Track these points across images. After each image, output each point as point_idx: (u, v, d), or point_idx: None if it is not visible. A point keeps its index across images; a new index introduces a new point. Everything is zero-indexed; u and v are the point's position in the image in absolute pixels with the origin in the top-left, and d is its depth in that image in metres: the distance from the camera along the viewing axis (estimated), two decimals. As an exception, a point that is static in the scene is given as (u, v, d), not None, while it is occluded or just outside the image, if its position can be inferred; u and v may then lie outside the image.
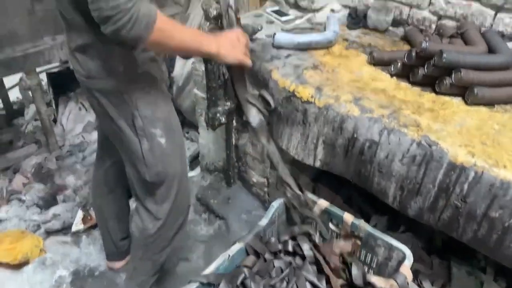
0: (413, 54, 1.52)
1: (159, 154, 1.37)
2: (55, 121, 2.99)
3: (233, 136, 2.02)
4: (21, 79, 2.57)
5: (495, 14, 1.70)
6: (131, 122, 1.31)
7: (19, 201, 2.37)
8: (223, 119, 1.81)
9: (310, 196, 1.60)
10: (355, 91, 1.52)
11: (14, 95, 3.35)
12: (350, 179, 1.53)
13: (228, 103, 1.83)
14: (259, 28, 1.89)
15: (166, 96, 1.42)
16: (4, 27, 2.26)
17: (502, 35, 1.69)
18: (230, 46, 1.31)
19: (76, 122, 2.93)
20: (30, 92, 2.54)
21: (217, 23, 1.56)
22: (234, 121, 1.97)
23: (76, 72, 1.30)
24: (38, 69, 2.51)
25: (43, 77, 2.98)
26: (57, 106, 3.02)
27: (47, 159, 2.66)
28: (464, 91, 1.48)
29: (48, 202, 2.34)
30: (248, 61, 1.39)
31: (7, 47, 2.30)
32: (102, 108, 1.32)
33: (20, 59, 2.32)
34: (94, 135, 2.87)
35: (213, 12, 1.56)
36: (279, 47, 1.81)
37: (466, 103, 1.46)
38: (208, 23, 1.58)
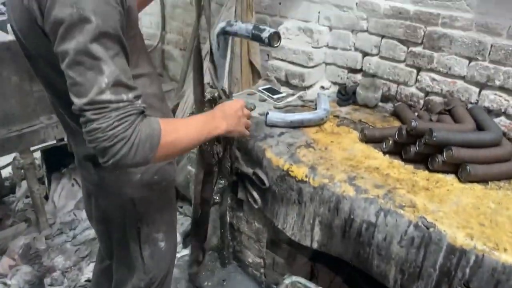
0: (404, 132, 1.55)
1: (157, 258, 1.30)
2: (46, 198, 2.95)
3: (228, 214, 1.98)
4: (14, 158, 2.56)
5: (480, 91, 1.76)
6: (135, 228, 1.23)
7: (4, 286, 2.26)
8: (217, 198, 1.79)
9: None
10: (349, 170, 1.52)
11: (7, 170, 3.33)
12: (349, 261, 1.48)
13: (223, 181, 1.83)
14: (252, 108, 1.94)
15: (173, 195, 1.36)
16: (0, 109, 2.29)
17: (489, 110, 1.73)
18: (236, 121, 1.22)
19: (68, 198, 2.88)
20: (22, 171, 2.52)
21: (211, 106, 1.60)
22: (228, 199, 1.95)
23: (84, 179, 1.24)
24: (32, 148, 2.51)
25: (37, 154, 2.98)
26: (49, 182, 2.99)
27: (36, 238, 2.58)
28: (457, 168, 1.49)
29: (35, 286, 2.23)
30: (247, 133, 1.34)
31: (1, 128, 2.31)
32: (102, 215, 1.25)
33: (15, 139, 2.33)
34: (86, 212, 2.82)
35: (207, 96, 1.60)
36: (272, 125, 1.84)
37: (460, 180, 1.47)
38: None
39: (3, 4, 4.38)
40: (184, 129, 0.99)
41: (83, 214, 2.80)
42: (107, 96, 0.80)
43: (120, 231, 1.26)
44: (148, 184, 1.19)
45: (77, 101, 0.80)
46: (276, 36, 1.38)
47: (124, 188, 1.17)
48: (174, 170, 1.32)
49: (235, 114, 1.21)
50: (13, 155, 2.99)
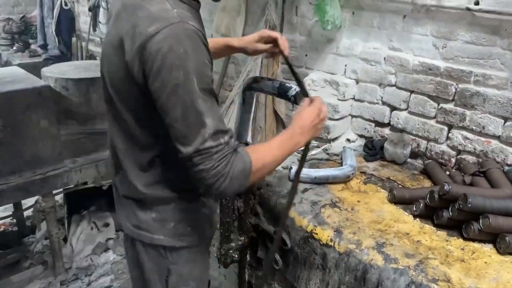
0: (436, 196, 1.46)
1: None
2: (65, 239, 2.93)
3: (246, 272, 1.89)
4: (36, 201, 2.58)
5: (516, 152, 1.67)
6: (164, 278, 1.22)
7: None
8: (236, 256, 1.72)
9: None
10: (377, 234, 1.43)
11: (29, 210, 3.35)
12: (376, 336, 1.36)
13: (242, 238, 1.75)
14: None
15: (206, 250, 1.33)
16: (27, 152, 2.32)
17: (527, 174, 1.63)
18: (313, 131, 1.21)
19: (86, 242, 2.85)
20: (43, 214, 2.52)
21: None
22: (248, 256, 1.87)
23: (122, 219, 1.25)
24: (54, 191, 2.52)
25: (58, 197, 2.99)
26: (69, 224, 2.98)
27: (51, 284, 2.54)
28: (494, 237, 1.38)
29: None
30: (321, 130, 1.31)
31: (27, 171, 2.34)
32: (137, 256, 1.24)
33: (39, 182, 2.34)
34: (103, 258, 2.79)
35: (230, 150, 1.57)
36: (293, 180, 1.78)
37: (499, 252, 1.35)
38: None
39: (41, 47, 4.60)
40: (269, 154, 1.09)
41: (100, 260, 2.76)
42: (209, 143, 0.93)
43: (151, 279, 1.24)
44: (181, 234, 1.19)
45: (184, 150, 0.94)
46: (301, 95, 1.35)
47: (157, 234, 1.18)
48: (211, 227, 1.31)
49: (311, 124, 1.19)
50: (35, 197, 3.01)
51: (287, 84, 1.39)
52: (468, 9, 1.70)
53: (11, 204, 2.85)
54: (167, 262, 1.21)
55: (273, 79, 1.43)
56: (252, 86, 1.47)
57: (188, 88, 0.90)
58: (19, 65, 3.94)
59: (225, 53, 1.54)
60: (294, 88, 1.38)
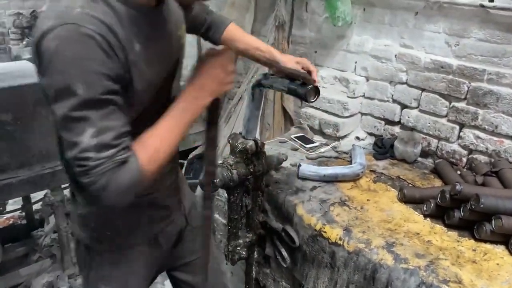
0: (447, 196, 1.44)
1: None
2: (72, 234, 2.94)
3: (254, 270, 1.89)
4: (45, 195, 2.59)
5: (530, 153, 1.65)
6: (85, 272, 1.21)
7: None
8: (243, 253, 1.71)
9: None
10: (387, 234, 1.42)
11: (38, 204, 3.37)
12: (384, 336, 1.35)
13: (250, 235, 1.75)
14: (284, 158, 1.88)
15: (136, 252, 1.21)
16: (37, 146, 2.33)
17: (540, 174, 1.60)
18: (215, 85, 1.01)
19: (94, 237, 2.86)
20: (52, 208, 2.53)
21: (243, 157, 1.56)
22: (255, 253, 1.86)
23: None
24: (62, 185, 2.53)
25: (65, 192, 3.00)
26: (77, 219, 2.99)
27: (59, 277, 2.56)
28: (506, 239, 1.36)
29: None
30: (231, 87, 1.11)
31: (36, 165, 2.34)
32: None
33: (48, 176, 2.35)
34: (111, 252, 2.79)
35: (239, 147, 1.56)
36: (304, 178, 1.77)
37: (511, 253, 1.33)
38: (232, 156, 1.58)
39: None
40: (163, 144, 0.94)
41: (108, 254, 2.76)
42: (88, 154, 0.82)
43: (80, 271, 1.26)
44: (100, 237, 1.16)
45: (66, 153, 0.85)
46: (312, 92, 1.33)
47: (82, 230, 1.16)
48: (143, 233, 1.19)
49: (213, 82, 1.01)
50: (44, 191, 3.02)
51: (297, 81, 1.38)
52: (482, 6, 1.67)
53: (20, 198, 2.88)
54: (89, 259, 1.19)
55: (281, 76, 1.41)
56: (262, 83, 1.45)
57: (71, 95, 0.80)
58: (29, 59, 3.96)
59: (254, 58, 1.46)
60: (304, 84, 1.36)
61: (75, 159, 0.83)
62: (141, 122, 0.93)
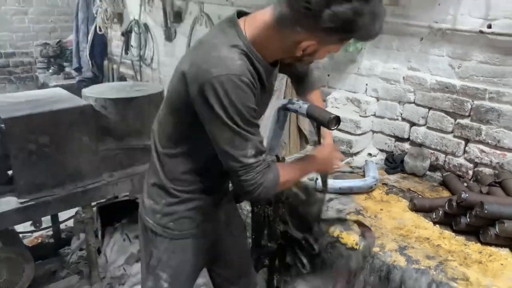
0: (454, 203, 1.57)
1: None
2: (99, 251, 3.08)
3: (275, 278, 2.01)
4: (77, 212, 2.75)
5: (531, 164, 1.77)
6: (148, 259, 1.41)
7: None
8: (266, 261, 1.84)
9: None
10: (399, 239, 1.55)
11: (63, 223, 3.53)
12: (400, 333, 1.46)
13: (272, 244, 1.88)
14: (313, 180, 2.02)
15: (190, 244, 1.43)
16: (70, 166, 2.50)
17: (542, 184, 1.73)
18: (327, 165, 1.49)
19: (119, 253, 2.99)
20: (82, 224, 2.68)
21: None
22: (276, 262, 1.99)
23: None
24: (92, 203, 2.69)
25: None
26: (103, 236, 3.13)
27: (87, 291, 2.68)
28: (510, 242, 1.48)
29: None
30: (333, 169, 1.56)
31: (69, 184, 2.51)
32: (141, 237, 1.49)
33: (80, 194, 2.50)
34: (135, 268, 2.91)
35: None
36: (321, 191, 1.90)
37: (515, 255, 1.45)
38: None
39: (76, 69, 4.88)
40: (293, 172, 1.33)
41: (133, 270, 2.89)
42: (252, 160, 1.14)
43: (142, 258, 1.47)
44: (164, 226, 1.37)
45: (232, 164, 1.15)
46: (334, 120, 1.47)
47: (150, 218, 1.39)
48: (197, 227, 1.40)
49: (326, 164, 1.48)
50: (74, 209, 3.18)
51: (319, 109, 1.54)
52: (481, 32, 1.84)
53: (49, 218, 3.03)
54: (152, 246, 1.39)
55: (306, 103, 1.57)
56: (287, 107, 1.61)
57: (237, 121, 1.09)
58: (55, 86, 4.21)
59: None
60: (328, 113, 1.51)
61: (243, 167, 1.14)
62: None
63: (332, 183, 1.91)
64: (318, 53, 1.16)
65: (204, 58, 1.12)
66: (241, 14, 1.19)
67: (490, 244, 1.50)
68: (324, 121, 1.47)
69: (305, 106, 1.54)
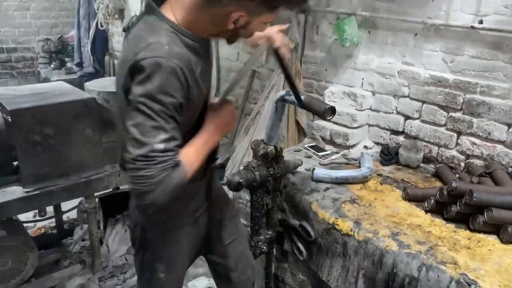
0: (445, 192, 1.64)
1: (156, 286, 1.46)
2: (101, 241, 3.15)
3: (273, 265, 2.08)
4: (80, 203, 2.81)
5: (520, 156, 1.84)
6: (142, 253, 1.43)
7: (60, 323, 2.40)
8: (264, 248, 1.91)
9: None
10: (392, 226, 1.61)
11: (65, 214, 3.59)
12: (391, 314, 1.53)
13: (270, 232, 1.94)
14: (300, 163, 2.09)
15: (184, 232, 1.46)
16: (74, 157, 2.56)
17: (530, 175, 1.79)
18: (227, 127, 1.35)
19: (121, 243, 3.06)
20: (85, 214, 2.74)
21: (264, 160, 1.77)
22: (274, 250, 2.05)
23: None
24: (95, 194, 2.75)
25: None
26: (105, 226, 3.20)
27: (90, 280, 2.75)
28: (498, 229, 1.55)
29: (88, 325, 2.37)
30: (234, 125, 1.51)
31: (73, 175, 2.57)
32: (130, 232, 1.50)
33: (84, 185, 2.57)
34: (137, 257, 2.99)
35: (261, 151, 1.78)
36: (318, 181, 1.97)
37: (502, 241, 1.52)
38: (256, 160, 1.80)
39: (77, 65, 4.93)
40: (197, 159, 1.21)
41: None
42: (156, 154, 1.03)
43: (136, 252, 1.47)
44: (156, 220, 1.38)
45: (133, 151, 1.04)
46: (329, 110, 1.54)
47: (139, 213, 1.39)
48: (189, 216, 1.43)
49: (226, 126, 1.35)
50: (77, 200, 3.25)
51: (315, 100, 1.61)
52: (472, 27, 1.90)
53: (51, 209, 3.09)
54: (145, 240, 1.41)
55: (304, 94, 1.64)
56: (285, 98, 1.68)
57: (154, 107, 1.03)
58: (57, 81, 4.27)
59: None
60: (323, 103, 1.58)
61: (143, 156, 1.03)
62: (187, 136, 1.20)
63: (329, 173, 1.97)
64: (252, 25, 1.14)
65: (133, 50, 1.09)
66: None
67: (479, 231, 1.57)
68: (320, 111, 1.54)
69: (302, 97, 1.60)
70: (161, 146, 1.04)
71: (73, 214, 3.49)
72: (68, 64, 5.10)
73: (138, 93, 1.05)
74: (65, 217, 3.58)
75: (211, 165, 1.50)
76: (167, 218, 1.38)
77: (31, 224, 3.42)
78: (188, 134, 1.21)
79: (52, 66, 5.10)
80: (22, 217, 2.77)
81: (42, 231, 3.50)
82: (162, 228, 1.40)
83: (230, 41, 1.25)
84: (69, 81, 4.47)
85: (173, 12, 1.13)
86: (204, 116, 1.29)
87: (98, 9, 4.52)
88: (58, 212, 3.23)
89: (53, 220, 3.33)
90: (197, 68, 1.15)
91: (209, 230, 1.54)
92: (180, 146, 1.13)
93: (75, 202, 3.38)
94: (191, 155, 1.18)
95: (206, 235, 1.53)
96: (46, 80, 4.81)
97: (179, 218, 1.42)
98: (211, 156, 1.44)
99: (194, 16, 1.12)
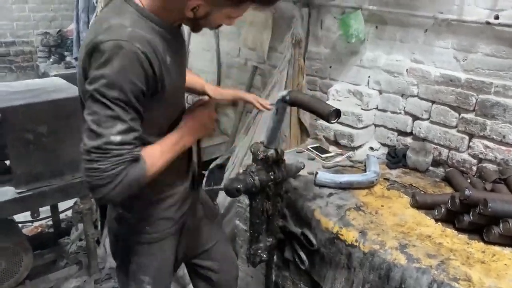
0: (457, 200, 1.53)
1: None
2: (98, 242, 3.07)
3: (273, 273, 1.99)
4: (75, 203, 2.74)
5: (537, 161, 1.73)
6: (126, 266, 1.36)
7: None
8: (264, 256, 1.81)
9: None
10: (400, 236, 1.51)
11: (63, 213, 3.52)
12: (399, 332, 1.44)
13: (270, 239, 1.85)
14: (302, 166, 1.99)
15: (169, 241, 1.40)
16: (68, 157, 2.48)
17: (547, 181, 1.68)
18: (202, 128, 1.30)
19: (118, 244, 2.99)
20: (81, 215, 2.67)
21: (264, 164, 1.67)
22: (275, 257, 1.96)
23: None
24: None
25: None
26: (102, 227, 3.12)
27: (86, 282, 2.69)
28: (514, 241, 1.45)
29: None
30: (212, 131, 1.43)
31: (67, 174, 2.49)
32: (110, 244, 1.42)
33: (79, 185, 2.49)
34: (134, 259, 2.91)
35: (260, 155, 1.68)
36: (321, 185, 1.87)
37: (519, 254, 1.42)
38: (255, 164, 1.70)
39: (76, 59, 4.84)
40: (162, 158, 1.15)
41: (131, 261, 2.89)
42: (111, 146, 0.97)
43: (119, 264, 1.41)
44: (140, 232, 1.32)
45: (87, 142, 0.99)
46: (334, 113, 1.43)
47: (121, 227, 1.33)
48: (174, 225, 1.37)
49: (199, 123, 1.29)
50: (73, 200, 3.17)
51: (319, 101, 1.50)
52: (488, 23, 1.78)
53: (48, 208, 3.02)
54: (129, 254, 1.34)
55: (307, 95, 1.53)
56: (286, 100, 1.57)
57: (111, 95, 0.96)
58: (56, 75, 4.18)
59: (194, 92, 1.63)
60: (328, 106, 1.48)
61: (97, 148, 0.97)
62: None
63: (332, 177, 1.87)
64: (213, 16, 1.08)
65: (95, 32, 1.02)
66: None
67: (494, 243, 1.47)
68: (324, 114, 1.43)
69: (307, 99, 1.50)
70: (118, 138, 0.97)
71: (71, 212, 3.42)
72: (68, 58, 5.00)
73: (95, 79, 0.97)
74: (63, 215, 3.52)
75: (193, 169, 1.46)
76: (151, 228, 1.32)
77: (28, 223, 3.35)
78: (168, 132, 1.19)
79: (51, 60, 5.00)
80: (19, 216, 2.70)
81: (39, 231, 3.44)
82: (146, 239, 1.33)
83: (194, 30, 1.18)
84: (69, 76, 4.39)
85: None
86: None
87: (96, 3, 4.41)
88: (55, 211, 3.16)
89: (51, 219, 3.26)
90: (166, 57, 1.08)
91: (191, 234, 1.50)
92: (145, 140, 1.07)
93: (72, 200, 3.30)
94: (155, 154, 1.12)
95: (189, 239, 1.49)
96: (45, 74, 4.73)
97: (164, 227, 1.35)
98: (191, 158, 1.41)
99: (158, 1, 1.07)
